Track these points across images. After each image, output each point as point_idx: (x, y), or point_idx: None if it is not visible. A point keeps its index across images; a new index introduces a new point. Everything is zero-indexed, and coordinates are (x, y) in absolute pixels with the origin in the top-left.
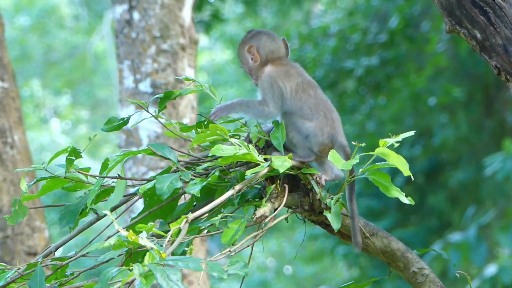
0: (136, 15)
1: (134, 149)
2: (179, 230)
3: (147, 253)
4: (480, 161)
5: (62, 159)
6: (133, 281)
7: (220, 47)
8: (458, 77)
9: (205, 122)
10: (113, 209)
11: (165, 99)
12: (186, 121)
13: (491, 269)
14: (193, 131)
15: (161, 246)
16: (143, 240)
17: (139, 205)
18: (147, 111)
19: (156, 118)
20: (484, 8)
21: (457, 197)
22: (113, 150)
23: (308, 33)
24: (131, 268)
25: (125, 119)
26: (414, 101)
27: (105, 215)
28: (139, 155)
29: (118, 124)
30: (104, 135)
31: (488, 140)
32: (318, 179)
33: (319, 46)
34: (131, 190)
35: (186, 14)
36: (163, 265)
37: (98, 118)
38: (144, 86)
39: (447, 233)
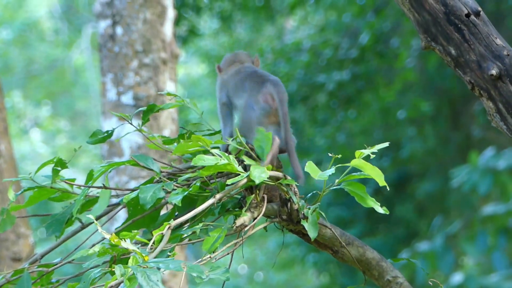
0: (119, 30)
1: (117, 159)
2: (162, 237)
3: (131, 257)
4: (446, 173)
5: (46, 169)
6: (118, 284)
7: (196, 61)
8: (426, 92)
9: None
10: (97, 218)
11: (148, 112)
12: (167, 132)
13: (457, 278)
14: (175, 143)
15: (145, 251)
16: (126, 243)
17: (122, 214)
18: (131, 124)
19: (140, 131)
20: (459, 25)
21: (424, 207)
22: (92, 160)
23: (281, 48)
24: (113, 269)
25: (110, 131)
26: (383, 114)
27: (90, 223)
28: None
29: (103, 137)
30: (83, 145)
31: (455, 153)
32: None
33: (291, 61)
34: (115, 200)
35: (168, 29)
36: (145, 267)
37: (77, 129)
38: (127, 99)
39: (414, 242)
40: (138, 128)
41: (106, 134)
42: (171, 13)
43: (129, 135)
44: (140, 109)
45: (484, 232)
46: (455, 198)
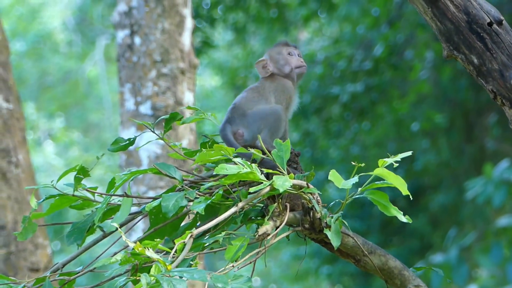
0: (137, 40)
1: (135, 169)
2: (184, 245)
3: (153, 265)
4: (460, 185)
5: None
6: None
7: (209, 73)
8: (440, 104)
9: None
10: (120, 227)
11: (170, 120)
12: (185, 142)
13: None
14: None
15: (167, 259)
16: (150, 252)
17: (141, 225)
18: (153, 132)
19: (162, 139)
20: (481, 34)
21: (438, 219)
22: (105, 172)
23: None
24: (138, 278)
25: (131, 139)
26: (397, 126)
27: (112, 232)
28: (140, 176)
29: (125, 145)
30: (95, 155)
31: (468, 165)
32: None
33: (306, 73)
34: (135, 209)
35: (186, 39)
36: (169, 276)
37: (90, 141)
38: (145, 109)
39: (428, 254)
40: (160, 136)
41: (127, 141)
42: (189, 23)
43: (147, 145)
44: (162, 117)
45: (498, 244)
46: (469, 210)
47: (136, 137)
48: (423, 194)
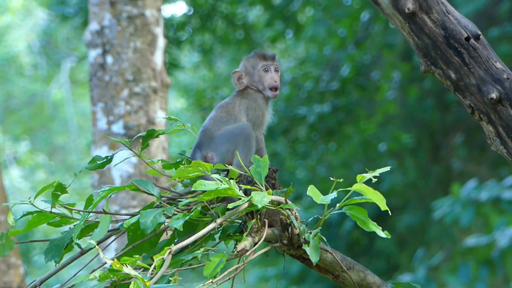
0: (109, 59)
1: (113, 186)
2: (163, 262)
3: (132, 282)
4: (427, 205)
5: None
6: None
7: (175, 95)
8: (407, 124)
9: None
10: (97, 244)
11: (147, 137)
12: None
13: None
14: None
15: (146, 276)
16: (128, 269)
17: (114, 245)
18: (131, 149)
19: (140, 156)
20: (459, 49)
21: (404, 240)
22: (71, 195)
23: None
24: None
25: (109, 157)
26: (364, 147)
27: (90, 249)
28: (112, 195)
29: (102, 163)
30: (63, 180)
31: (435, 185)
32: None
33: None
34: (113, 225)
35: (158, 58)
36: None
37: (56, 164)
38: (117, 128)
39: (395, 275)
40: (138, 153)
41: (105, 159)
42: (161, 42)
43: (119, 165)
44: (139, 135)
45: (466, 264)
46: (436, 230)
47: (113, 155)
48: (389, 215)
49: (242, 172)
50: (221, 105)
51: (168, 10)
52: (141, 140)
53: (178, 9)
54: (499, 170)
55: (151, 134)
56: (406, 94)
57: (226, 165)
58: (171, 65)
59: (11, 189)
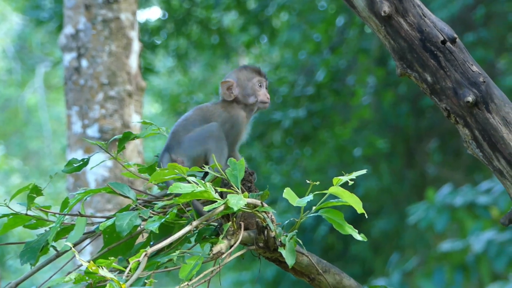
0: (84, 63)
1: (88, 188)
2: (138, 264)
3: (108, 284)
4: (401, 211)
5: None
6: None
7: (149, 100)
8: (381, 129)
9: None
10: (73, 246)
11: (123, 140)
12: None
13: None
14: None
15: (122, 278)
16: (103, 271)
17: (89, 248)
18: (107, 152)
19: (116, 159)
20: (435, 52)
21: (379, 245)
22: (46, 199)
23: None
24: None
25: (85, 160)
26: (339, 152)
27: (65, 251)
28: (88, 198)
29: (79, 166)
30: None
31: (410, 191)
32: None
33: None
34: (88, 228)
35: (133, 61)
36: None
37: (30, 169)
38: (92, 131)
39: (370, 280)
40: (114, 156)
41: (81, 162)
42: (136, 46)
43: (95, 168)
44: (115, 137)
45: (441, 269)
46: (411, 235)
47: (89, 157)
48: (364, 220)
49: (218, 175)
50: (200, 108)
51: (143, 15)
52: (117, 143)
53: (153, 14)
54: (473, 175)
55: (127, 137)
56: (381, 99)
57: (203, 166)
58: (146, 70)
59: None
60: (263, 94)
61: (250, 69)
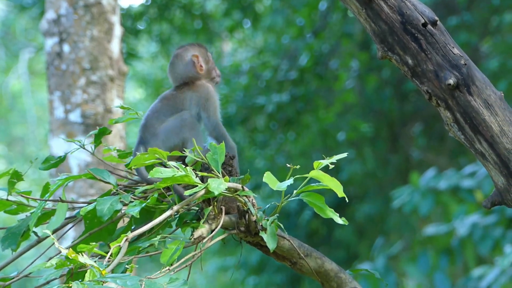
0: (66, 48)
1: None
2: (119, 249)
3: (88, 271)
4: (386, 195)
5: None
6: None
7: (133, 85)
8: (365, 114)
9: None
10: (54, 231)
11: (100, 135)
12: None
13: None
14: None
15: (102, 264)
16: (84, 257)
17: (71, 233)
18: (84, 148)
19: (93, 154)
20: (416, 35)
21: (364, 229)
22: (30, 185)
23: (220, 70)
24: (70, 285)
25: (62, 157)
26: (323, 136)
27: (47, 237)
28: (70, 183)
29: (56, 162)
30: (22, 170)
31: (394, 175)
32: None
33: (230, 83)
34: (69, 214)
35: (115, 46)
36: (103, 283)
37: (15, 155)
38: (74, 116)
39: (355, 264)
40: (91, 152)
41: (58, 159)
42: (118, 30)
43: (77, 154)
44: (92, 132)
45: (425, 253)
46: (396, 219)
47: (66, 154)
48: (348, 204)
49: (199, 159)
50: (165, 97)
51: (126, 1)
52: (98, 127)
53: (136, 0)
54: (458, 159)
55: (103, 132)
56: (365, 83)
57: (184, 150)
58: (130, 55)
59: None
60: (217, 69)
61: (201, 46)
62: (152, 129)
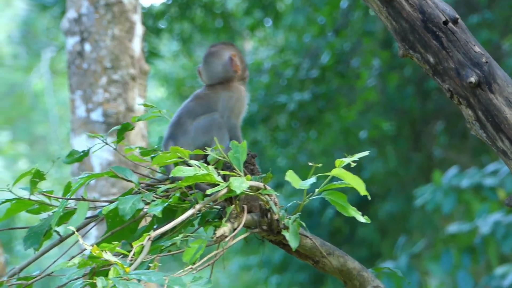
0: (87, 47)
1: (91, 173)
2: (142, 248)
3: (112, 268)
4: (408, 193)
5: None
6: None
7: (155, 84)
8: (387, 112)
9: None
10: (77, 230)
11: (122, 130)
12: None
13: None
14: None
15: (125, 262)
16: (107, 255)
17: (94, 232)
18: (107, 143)
19: (115, 150)
20: (437, 33)
21: (386, 228)
22: (53, 184)
23: None
24: (95, 281)
25: (86, 151)
26: (344, 134)
27: (69, 235)
28: (92, 182)
29: (80, 156)
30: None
31: (416, 173)
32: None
33: (252, 82)
34: (91, 213)
35: (136, 45)
36: (127, 279)
37: (37, 154)
38: (96, 115)
39: (378, 263)
40: (114, 147)
41: (82, 153)
42: (139, 29)
43: (99, 152)
44: (114, 128)
45: (448, 251)
46: (418, 218)
47: (90, 148)
48: (371, 203)
49: (221, 158)
50: (198, 96)
51: (147, 0)
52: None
53: None
54: (480, 157)
55: (126, 128)
56: (386, 81)
57: (206, 149)
58: (151, 54)
59: None
60: (247, 69)
61: (233, 45)
62: (184, 126)
